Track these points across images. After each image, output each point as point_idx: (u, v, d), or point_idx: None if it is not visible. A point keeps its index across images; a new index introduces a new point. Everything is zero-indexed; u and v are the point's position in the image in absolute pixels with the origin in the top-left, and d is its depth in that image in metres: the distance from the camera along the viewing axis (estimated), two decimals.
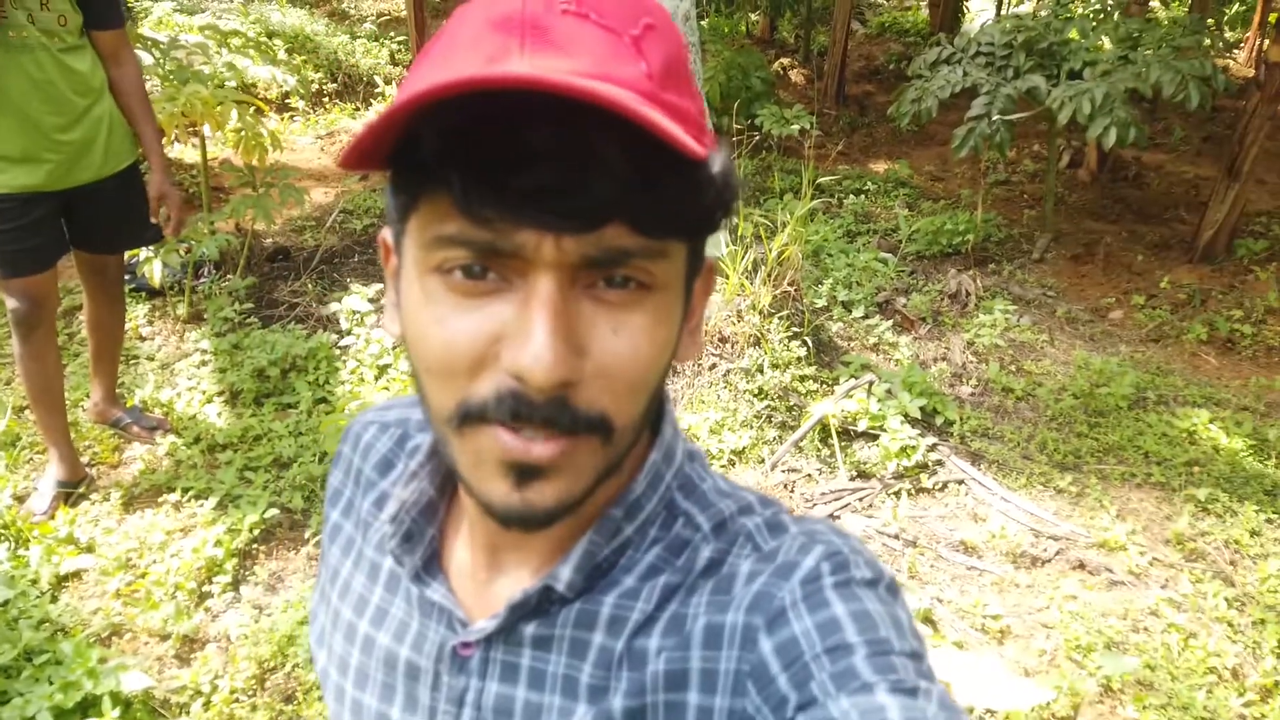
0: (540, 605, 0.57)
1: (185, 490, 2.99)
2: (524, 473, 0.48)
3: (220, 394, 3.58)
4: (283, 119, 7.13)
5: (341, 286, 4.48)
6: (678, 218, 0.47)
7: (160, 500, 2.96)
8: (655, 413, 0.61)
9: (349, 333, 3.96)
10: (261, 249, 4.76)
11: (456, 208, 0.44)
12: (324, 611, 0.70)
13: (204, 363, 3.78)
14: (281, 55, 7.32)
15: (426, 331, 0.48)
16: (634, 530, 0.59)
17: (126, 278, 4.19)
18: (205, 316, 4.12)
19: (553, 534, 0.58)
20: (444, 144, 0.43)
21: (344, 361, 3.79)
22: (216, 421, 3.41)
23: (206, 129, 4.28)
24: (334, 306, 4.18)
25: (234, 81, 4.46)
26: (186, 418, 3.42)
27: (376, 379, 3.65)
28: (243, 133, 4.22)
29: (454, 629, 0.60)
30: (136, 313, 4.12)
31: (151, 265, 3.80)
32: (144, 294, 4.26)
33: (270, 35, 7.75)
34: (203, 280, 4.37)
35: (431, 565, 0.63)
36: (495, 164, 0.42)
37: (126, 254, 3.86)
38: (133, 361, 3.79)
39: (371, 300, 4.15)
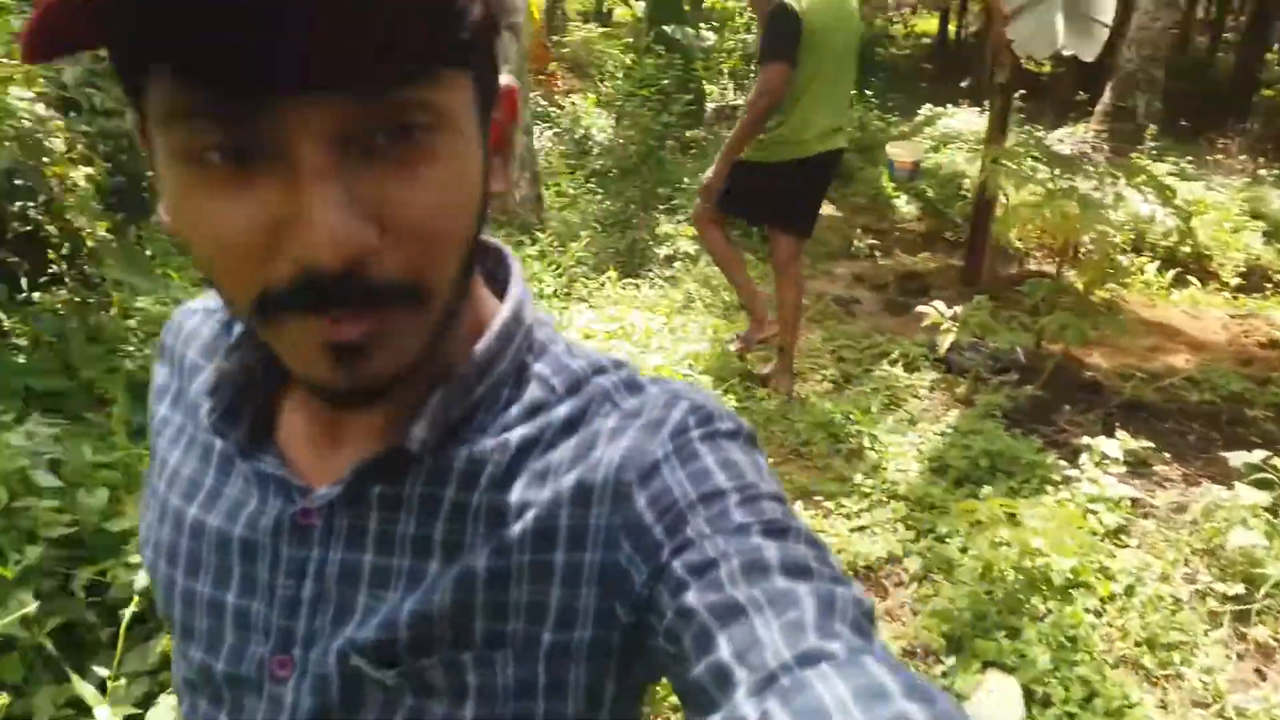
0: (389, 466, 0.55)
1: None
2: (343, 352, 0.46)
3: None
4: None
5: None
6: (441, 43, 0.43)
7: None
8: (499, 268, 0.62)
9: None
10: (1072, 376, 4.44)
11: (182, 80, 0.40)
12: (153, 506, 0.66)
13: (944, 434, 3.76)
14: None
15: (196, 228, 0.44)
16: (486, 390, 0.57)
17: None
18: (975, 404, 4.06)
19: (399, 396, 0.54)
20: (145, 12, 0.38)
21: None
22: None
23: None
24: None
25: None
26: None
27: None
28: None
29: (293, 499, 0.57)
30: (926, 377, 4.32)
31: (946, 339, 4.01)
32: (945, 366, 4.41)
33: None
34: (1000, 377, 4.29)
35: (262, 437, 0.60)
36: (209, 24, 0.37)
37: None
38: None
39: None
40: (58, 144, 4.12)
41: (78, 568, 2.10)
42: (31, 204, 3.93)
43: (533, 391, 0.58)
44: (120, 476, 2.49)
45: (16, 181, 3.75)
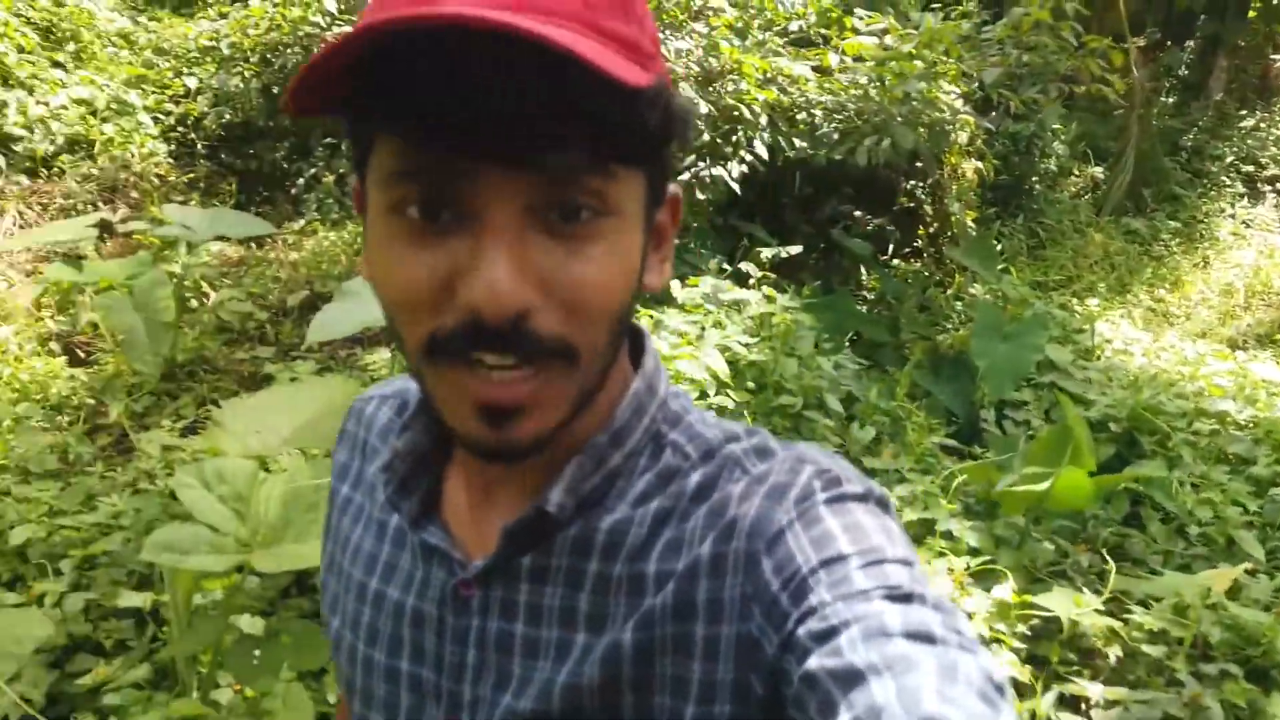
0: (535, 533, 0.58)
1: None
2: (496, 413, 0.50)
3: None
4: None
5: None
6: (620, 144, 0.48)
7: None
8: (631, 343, 0.64)
9: None
10: None
11: (405, 147, 0.48)
12: (334, 580, 0.72)
13: None
14: None
15: (388, 271, 0.51)
16: (621, 459, 0.59)
17: None
18: None
19: (541, 466, 0.58)
20: (385, 85, 0.46)
21: None
22: None
23: None
24: None
25: None
26: None
27: None
28: None
29: (454, 571, 0.61)
30: None
31: None
32: None
33: None
34: None
35: (430, 511, 0.64)
36: (436, 102, 0.46)
37: None
38: None
39: None
40: (961, 137, 4.63)
41: None
42: (920, 184, 4.52)
43: (667, 459, 0.60)
44: (888, 423, 2.79)
45: (917, 164, 4.35)
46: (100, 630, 2.18)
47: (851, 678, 0.45)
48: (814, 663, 0.47)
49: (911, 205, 4.50)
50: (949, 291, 4.26)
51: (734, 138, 3.62)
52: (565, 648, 0.57)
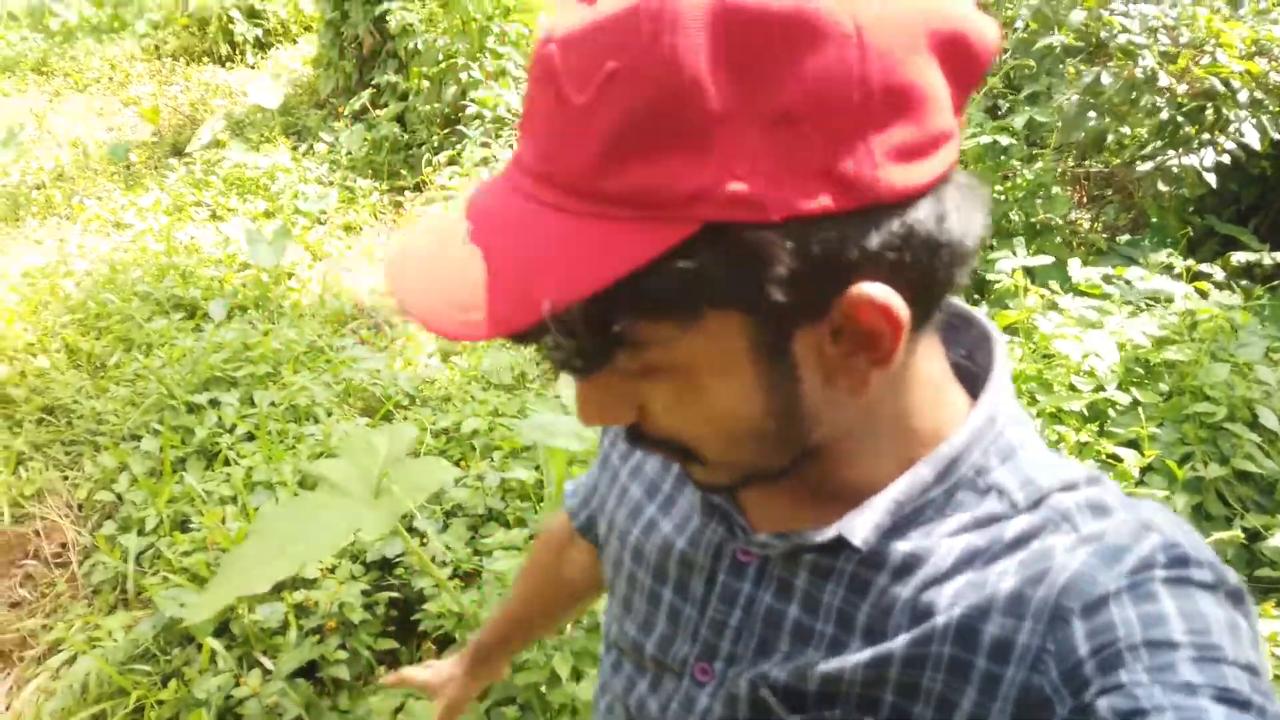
0: (829, 548, 0.56)
1: None
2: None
3: None
4: None
5: None
6: (655, 313, 0.45)
7: None
8: (979, 350, 0.59)
9: None
10: None
11: None
12: (605, 481, 0.75)
13: None
14: None
15: None
16: (942, 494, 0.55)
17: None
18: None
19: (839, 479, 0.56)
20: None
21: None
22: None
23: None
24: None
25: None
26: None
27: None
28: None
29: (734, 533, 0.61)
30: None
31: None
32: None
33: None
34: None
35: None
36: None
37: None
38: None
39: None
40: None
41: None
42: None
43: (990, 504, 0.54)
44: None
45: None
46: (510, 507, 2.65)
47: None
48: None
49: None
50: None
51: (1204, 117, 3.15)
52: (839, 645, 0.56)
